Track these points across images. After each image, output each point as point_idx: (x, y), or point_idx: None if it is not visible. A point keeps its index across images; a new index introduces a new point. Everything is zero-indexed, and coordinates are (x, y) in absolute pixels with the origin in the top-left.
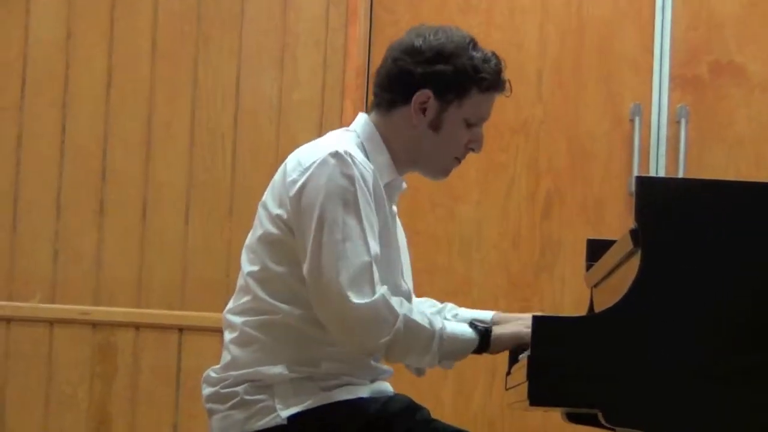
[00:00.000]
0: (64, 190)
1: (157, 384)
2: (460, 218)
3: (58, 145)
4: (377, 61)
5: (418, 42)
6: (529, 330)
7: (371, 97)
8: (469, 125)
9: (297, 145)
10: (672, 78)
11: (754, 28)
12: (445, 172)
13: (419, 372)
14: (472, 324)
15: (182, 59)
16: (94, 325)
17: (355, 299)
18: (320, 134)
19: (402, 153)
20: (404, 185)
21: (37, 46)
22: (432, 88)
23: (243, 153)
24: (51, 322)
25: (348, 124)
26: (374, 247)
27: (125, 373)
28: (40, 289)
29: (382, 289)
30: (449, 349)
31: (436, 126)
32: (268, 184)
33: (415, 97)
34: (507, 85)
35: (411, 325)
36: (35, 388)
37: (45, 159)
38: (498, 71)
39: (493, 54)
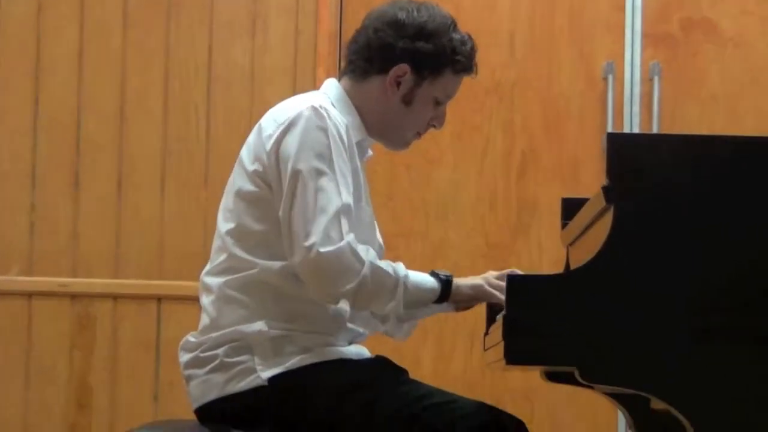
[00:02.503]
0: (38, 162)
1: (137, 354)
2: (436, 181)
3: (32, 118)
4: (349, 25)
5: (402, 15)
6: (489, 286)
7: (344, 63)
8: (437, 103)
9: None
10: (644, 35)
11: None
12: (405, 145)
13: (385, 325)
14: (434, 273)
15: (154, 29)
16: (73, 296)
17: (321, 247)
18: None
19: (370, 120)
20: (370, 152)
21: (8, 19)
22: (410, 64)
23: (216, 121)
24: (29, 295)
25: None
26: (346, 197)
27: (104, 344)
28: (17, 262)
29: (348, 237)
30: (413, 297)
31: (407, 101)
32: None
33: (392, 71)
34: (476, 68)
35: (377, 271)
36: (15, 362)
37: (18, 131)
38: (472, 55)
39: (469, 37)
